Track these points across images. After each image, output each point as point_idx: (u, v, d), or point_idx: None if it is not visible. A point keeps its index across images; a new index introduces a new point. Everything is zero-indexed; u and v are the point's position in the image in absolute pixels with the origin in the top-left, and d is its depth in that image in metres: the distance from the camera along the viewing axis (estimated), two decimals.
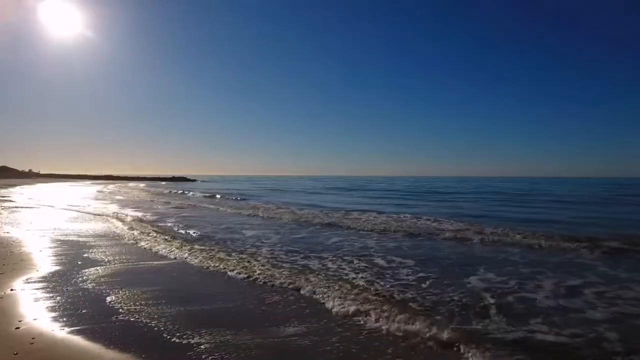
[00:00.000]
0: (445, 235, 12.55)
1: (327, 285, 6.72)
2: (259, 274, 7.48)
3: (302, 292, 6.45)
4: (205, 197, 36.38)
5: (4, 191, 38.52)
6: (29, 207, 21.69)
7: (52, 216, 17.59)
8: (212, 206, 25.21)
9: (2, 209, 20.22)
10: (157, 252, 9.89)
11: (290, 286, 6.76)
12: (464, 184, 77.41)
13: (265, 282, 7.05)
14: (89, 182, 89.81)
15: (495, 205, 27.41)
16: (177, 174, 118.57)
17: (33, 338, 4.46)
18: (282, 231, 13.93)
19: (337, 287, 6.55)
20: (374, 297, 6.09)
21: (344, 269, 8.12)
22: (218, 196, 36.05)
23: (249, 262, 8.56)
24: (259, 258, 9.05)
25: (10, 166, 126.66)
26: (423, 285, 6.91)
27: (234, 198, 33.85)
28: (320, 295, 6.20)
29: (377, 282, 7.06)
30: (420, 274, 7.67)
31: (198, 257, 9.08)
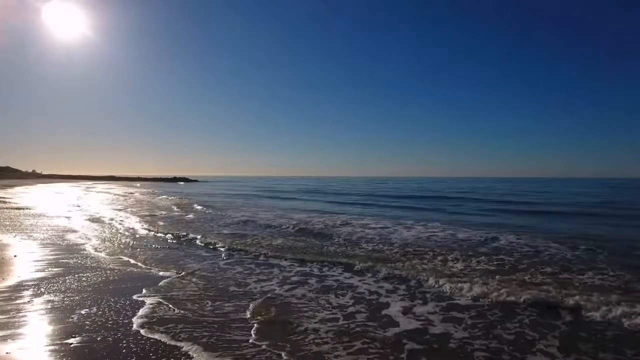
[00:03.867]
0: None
1: None
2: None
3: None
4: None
5: (1, 192, 38.02)
6: (21, 209, 21.09)
7: (42, 218, 16.97)
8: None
9: None
10: (134, 262, 9.24)
11: None
12: (458, 185, 76.41)
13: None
14: (90, 182, 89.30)
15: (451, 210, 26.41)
16: (178, 174, 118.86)
17: None
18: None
19: None
20: None
21: None
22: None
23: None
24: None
25: (14, 167, 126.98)
26: None
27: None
28: None
29: None
30: None
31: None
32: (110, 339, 4.55)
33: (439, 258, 9.35)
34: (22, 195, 34.83)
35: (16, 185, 55.18)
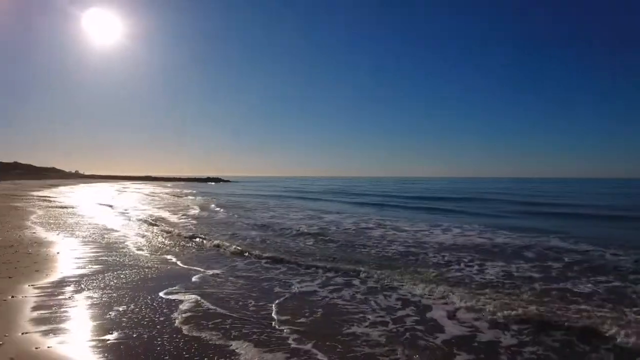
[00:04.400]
0: None
1: None
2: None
3: None
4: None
5: (46, 191, 40.15)
6: (64, 207, 22.09)
7: (84, 216, 17.69)
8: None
9: (38, 208, 20.68)
10: (173, 260, 9.36)
11: None
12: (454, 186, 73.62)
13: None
14: (128, 182, 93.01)
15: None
16: (212, 175, 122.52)
17: (11, 358, 3.87)
18: None
19: None
20: None
21: None
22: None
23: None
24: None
25: (58, 167, 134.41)
26: None
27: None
28: None
29: None
30: None
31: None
32: (148, 335, 4.54)
33: (477, 262, 8.94)
34: (66, 194, 36.63)
35: (60, 185, 58.22)
